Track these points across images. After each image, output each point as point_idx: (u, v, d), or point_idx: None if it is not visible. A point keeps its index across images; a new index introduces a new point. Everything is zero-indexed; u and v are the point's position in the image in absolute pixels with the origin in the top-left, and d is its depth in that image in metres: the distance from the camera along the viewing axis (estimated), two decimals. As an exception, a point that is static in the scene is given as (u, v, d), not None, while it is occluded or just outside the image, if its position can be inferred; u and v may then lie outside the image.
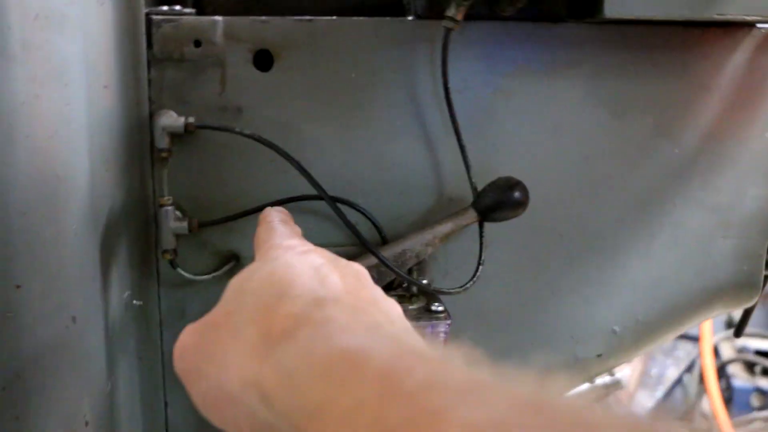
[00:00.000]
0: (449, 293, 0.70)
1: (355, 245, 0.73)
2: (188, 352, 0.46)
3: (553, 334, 0.82)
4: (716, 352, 2.74)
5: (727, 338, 2.78)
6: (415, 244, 0.71)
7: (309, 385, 0.36)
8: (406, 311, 0.67)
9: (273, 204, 0.72)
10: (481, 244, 0.73)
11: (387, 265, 0.68)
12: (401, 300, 0.70)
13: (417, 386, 0.32)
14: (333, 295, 0.43)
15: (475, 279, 0.72)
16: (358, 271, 0.50)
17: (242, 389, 0.40)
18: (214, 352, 0.43)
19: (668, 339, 0.88)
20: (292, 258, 0.48)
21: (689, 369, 2.77)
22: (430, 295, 0.71)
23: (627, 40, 0.76)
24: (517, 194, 0.70)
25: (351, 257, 0.72)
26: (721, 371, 2.69)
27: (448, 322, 0.67)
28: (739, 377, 2.71)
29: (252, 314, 0.42)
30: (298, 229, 0.58)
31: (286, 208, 0.71)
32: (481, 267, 0.73)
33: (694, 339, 2.66)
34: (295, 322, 0.40)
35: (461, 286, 0.71)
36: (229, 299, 0.46)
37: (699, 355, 2.56)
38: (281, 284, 0.43)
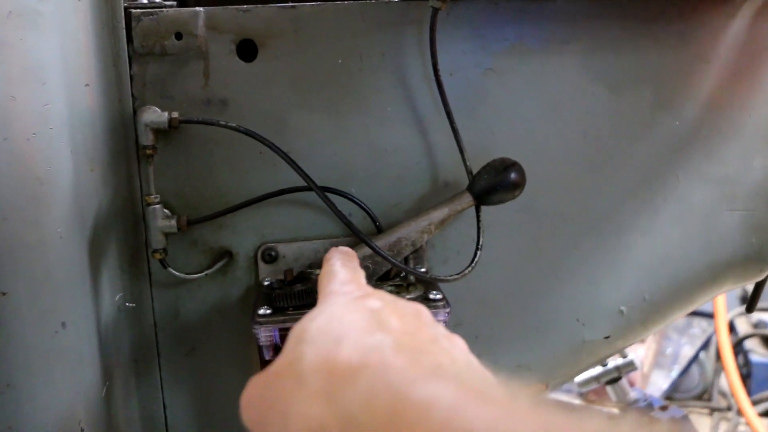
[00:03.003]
0: (447, 281, 0.69)
1: (350, 236, 0.72)
2: (253, 402, 0.45)
3: (559, 317, 0.80)
4: (732, 327, 2.71)
5: (743, 314, 2.76)
6: (410, 231, 0.70)
7: None
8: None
9: (263, 198, 0.70)
10: (478, 228, 0.72)
11: (382, 255, 0.67)
12: (398, 290, 0.68)
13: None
14: (392, 338, 0.43)
15: (473, 265, 0.70)
16: (418, 310, 0.50)
17: None
18: (278, 401, 0.43)
19: (678, 317, 0.86)
20: (350, 303, 0.48)
21: (705, 346, 2.75)
22: (428, 283, 0.69)
23: (622, 13, 0.74)
24: (512, 175, 0.69)
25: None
26: (738, 347, 2.67)
27: (447, 310, 0.65)
28: (757, 352, 2.68)
29: (313, 360, 0.42)
30: (360, 272, 0.59)
31: (276, 200, 0.71)
32: (479, 252, 0.71)
33: (709, 316, 2.64)
34: (355, 367, 0.40)
35: (459, 273, 0.69)
36: (291, 348, 0.46)
37: (714, 331, 2.53)
38: (341, 329, 0.44)
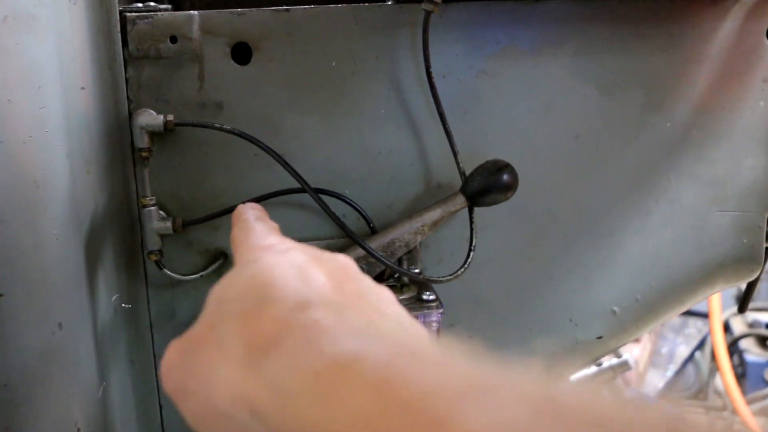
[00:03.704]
0: (440, 281, 0.69)
1: (344, 237, 0.73)
2: (174, 370, 0.43)
3: (552, 318, 0.80)
4: (727, 327, 2.72)
5: (738, 313, 2.76)
6: (403, 232, 0.70)
7: (301, 400, 0.34)
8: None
9: (258, 199, 0.71)
10: (471, 229, 0.72)
11: (375, 256, 0.67)
12: (392, 290, 0.69)
13: (417, 393, 0.30)
14: (317, 294, 0.41)
15: (466, 266, 0.71)
16: (344, 264, 0.48)
17: (232, 406, 0.39)
18: (200, 369, 0.41)
19: (670, 317, 0.87)
20: (272, 258, 0.45)
21: (700, 346, 2.76)
22: (422, 284, 0.70)
23: (613, 15, 0.75)
24: (505, 177, 0.69)
25: (339, 249, 0.71)
26: (733, 347, 2.67)
27: (441, 311, 0.66)
28: (752, 352, 2.69)
29: (235, 324, 0.40)
30: (275, 225, 0.56)
31: (271, 202, 0.71)
32: (472, 253, 0.72)
33: (705, 315, 2.65)
34: (279, 328, 0.38)
35: (452, 274, 0.70)
36: (211, 311, 0.44)
37: (710, 331, 2.54)
38: (262, 288, 0.42)
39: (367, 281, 0.47)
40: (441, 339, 0.39)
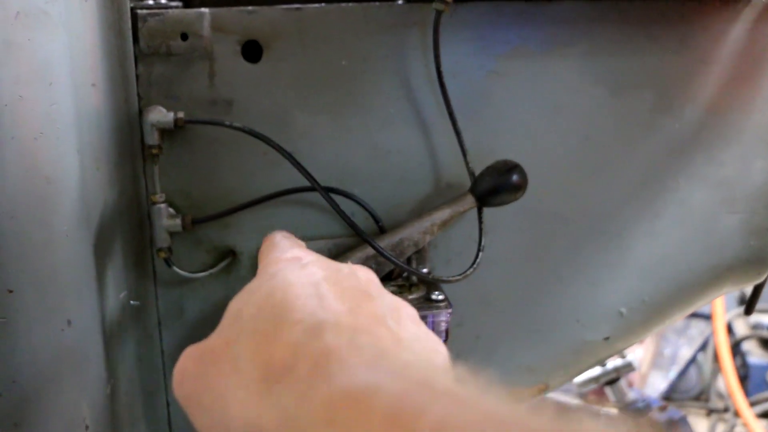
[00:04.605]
0: (449, 281, 0.69)
1: (353, 236, 0.72)
2: (189, 379, 0.44)
3: (559, 318, 0.80)
4: (730, 329, 2.72)
5: (741, 315, 2.76)
6: (412, 232, 0.70)
7: (310, 431, 0.34)
8: (405, 301, 0.66)
9: (267, 198, 0.71)
10: (480, 229, 0.72)
11: (384, 255, 0.67)
12: (401, 290, 0.69)
13: (430, 429, 0.30)
14: (332, 316, 0.41)
15: (475, 266, 0.71)
16: (364, 280, 0.48)
17: (245, 430, 0.39)
18: (215, 384, 0.42)
19: (677, 319, 0.87)
20: (290, 274, 0.46)
21: (703, 348, 2.76)
22: (430, 284, 0.70)
23: (623, 16, 0.75)
24: (514, 177, 0.69)
25: (348, 248, 0.71)
26: (736, 348, 2.68)
27: (449, 311, 0.66)
28: (755, 354, 2.69)
29: (250, 344, 0.41)
30: (301, 243, 0.57)
31: (280, 201, 0.71)
32: (481, 253, 0.72)
33: (707, 317, 2.65)
34: (291, 354, 0.38)
35: (461, 274, 0.70)
36: (228, 325, 0.44)
37: (712, 333, 2.54)
38: (278, 308, 0.42)
39: (387, 299, 0.47)
40: (456, 368, 0.39)
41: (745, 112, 0.79)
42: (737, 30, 0.77)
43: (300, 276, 0.45)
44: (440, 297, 0.67)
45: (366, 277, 0.48)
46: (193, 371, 0.43)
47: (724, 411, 2.60)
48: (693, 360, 2.73)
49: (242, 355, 0.40)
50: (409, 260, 0.72)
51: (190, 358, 0.44)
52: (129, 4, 0.67)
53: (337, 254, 0.72)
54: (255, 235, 0.73)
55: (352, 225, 0.69)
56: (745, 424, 2.31)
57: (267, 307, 0.42)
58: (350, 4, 0.71)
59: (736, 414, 2.39)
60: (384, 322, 0.43)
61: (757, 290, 0.91)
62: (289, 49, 0.70)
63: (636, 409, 1.82)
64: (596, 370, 1.79)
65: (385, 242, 0.70)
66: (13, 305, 0.56)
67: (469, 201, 0.71)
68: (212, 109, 0.70)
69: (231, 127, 0.69)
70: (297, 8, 0.70)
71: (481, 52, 0.73)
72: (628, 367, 1.84)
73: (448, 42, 0.71)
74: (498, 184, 0.69)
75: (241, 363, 0.40)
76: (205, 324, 0.74)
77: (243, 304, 0.44)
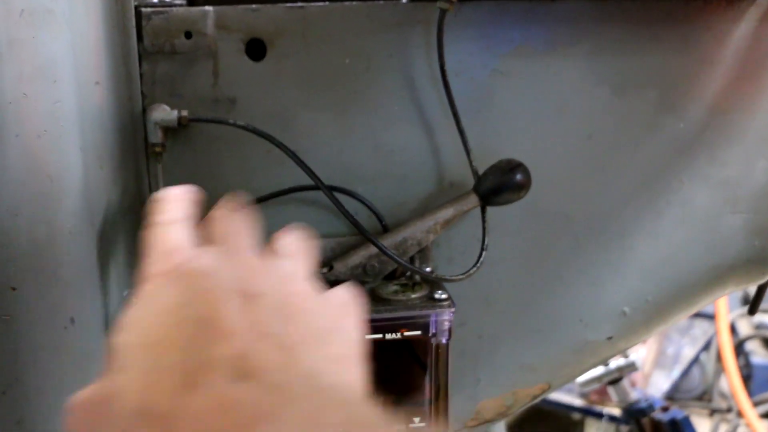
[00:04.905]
0: (452, 280, 0.69)
1: (356, 235, 0.72)
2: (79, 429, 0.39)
3: (562, 318, 0.80)
4: (733, 329, 2.72)
5: (744, 315, 2.76)
6: (416, 231, 0.70)
7: None
8: (408, 300, 0.66)
9: (270, 196, 0.71)
10: (483, 228, 0.72)
11: (388, 254, 0.67)
12: (404, 289, 0.69)
13: None
14: (224, 362, 0.34)
15: (478, 265, 0.71)
16: (289, 293, 0.40)
17: None
18: None
19: (680, 319, 0.87)
20: (165, 298, 0.38)
21: (706, 347, 2.75)
22: (433, 282, 0.70)
23: (627, 15, 0.75)
24: (518, 176, 0.69)
25: (351, 247, 0.71)
26: (739, 348, 2.67)
27: (452, 309, 0.66)
28: (758, 354, 2.69)
29: (130, 401, 0.35)
30: (190, 221, 0.46)
31: (283, 199, 0.71)
32: (484, 252, 0.72)
33: (710, 317, 2.64)
34: (173, 416, 0.33)
35: (464, 273, 0.70)
36: (111, 369, 0.39)
37: (716, 333, 2.54)
38: (153, 355, 0.36)
39: (315, 323, 0.40)
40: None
41: (749, 112, 0.79)
42: (741, 30, 0.77)
43: (180, 308, 0.37)
44: (443, 296, 0.67)
45: (295, 285, 0.41)
46: (83, 421, 0.39)
47: (727, 411, 2.60)
48: (696, 360, 2.72)
49: (126, 413, 0.35)
50: (412, 259, 0.72)
51: (80, 407, 0.39)
52: (133, 2, 0.67)
53: (341, 253, 0.72)
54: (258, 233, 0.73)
55: (355, 224, 0.69)
56: (748, 425, 2.31)
57: (143, 347, 0.37)
58: (354, 3, 0.71)
59: (739, 414, 2.38)
60: (293, 356, 0.37)
61: (761, 290, 0.91)
62: (292, 47, 0.70)
63: (639, 409, 1.82)
64: (599, 370, 1.79)
65: (388, 241, 0.70)
66: (16, 303, 0.56)
67: (473, 200, 0.71)
68: (216, 108, 0.70)
69: (234, 125, 0.69)
70: (301, 6, 0.70)
71: (485, 51, 0.73)
72: (631, 367, 1.84)
73: (452, 41, 0.71)
74: (501, 183, 0.69)
75: (126, 421, 0.35)
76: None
77: (120, 345, 0.38)
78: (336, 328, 0.42)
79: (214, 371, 0.34)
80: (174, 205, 0.47)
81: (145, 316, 0.38)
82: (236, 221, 0.47)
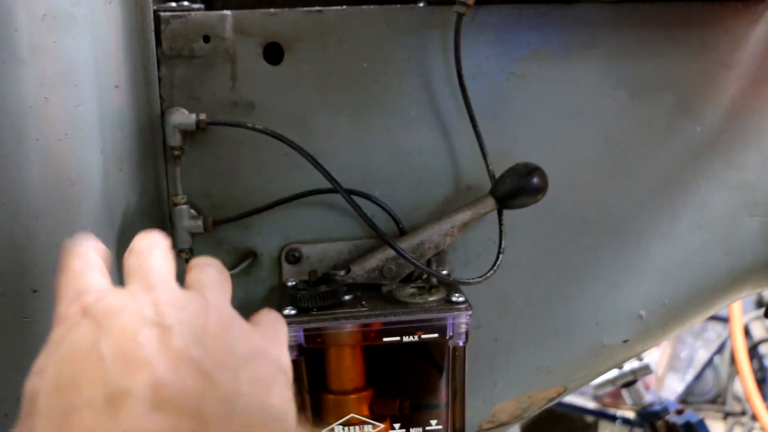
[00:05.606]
0: (469, 283, 0.69)
1: (373, 238, 0.73)
2: None
3: (578, 321, 0.80)
4: (747, 332, 2.70)
5: (758, 318, 2.75)
6: (433, 234, 0.70)
7: None
8: (425, 303, 0.67)
9: (288, 199, 0.71)
10: (500, 232, 0.72)
11: (405, 257, 0.67)
12: (421, 292, 0.69)
13: None
14: (138, 383, 0.33)
15: (495, 268, 0.71)
16: (203, 311, 0.40)
17: None
18: None
19: (696, 322, 0.87)
20: (74, 349, 0.36)
21: (720, 350, 2.74)
22: (450, 286, 0.70)
23: (644, 18, 0.75)
24: (535, 180, 0.69)
25: (368, 250, 0.72)
26: (753, 352, 2.66)
27: (469, 312, 0.66)
28: (772, 357, 2.68)
29: None
30: (99, 262, 0.45)
31: (300, 202, 0.71)
32: (501, 256, 0.72)
33: (724, 320, 2.63)
34: None
35: (481, 276, 0.70)
36: (26, 414, 0.37)
37: (729, 335, 2.52)
38: (70, 389, 0.34)
39: (234, 348, 0.39)
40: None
41: (766, 115, 0.79)
42: (758, 32, 0.77)
43: (88, 365, 0.35)
44: (461, 299, 0.67)
45: (217, 316, 0.40)
46: None
47: (741, 414, 2.59)
48: (710, 363, 2.71)
49: None
50: (429, 262, 0.72)
51: None
52: (152, 7, 0.67)
53: (357, 255, 0.73)
54: (276, 236, 0.73)
55: (372, 227, 0.70)
56: (762, 428, 2.29)
57: (59, 389, 0.35)
58: (371, 7, 0.71)
59: (754, 417, 2.37)
60: (208, 378, 0.36)
61: (777, 294, 0.90)
62: (310, 51, 0.71)
63: (653, 412, 1.81)
64: (613, 373, 1.79)
65: (405, 244, 0.70)
66: (38, 305, 0.57)
67: (490, 203, 0.71)
68: (234, 111, 0.70)
69: (252, 128, 0.69)
70: (318, 11, 0.70)
71: (502, 54, 0.73)
72: (645, 370, 1.83)
73: (469, 44, 0.71)
74: (518, 187, 0.69)
75: None
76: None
77: (36, 388, 0.36)
78: (258, 351, 0.41)
79: (131, 402, 0.33)
80: (85, 249, 0.46)
81: (56, 359, 0.37)
82: (153, 256, 0.45)
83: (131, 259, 0.45)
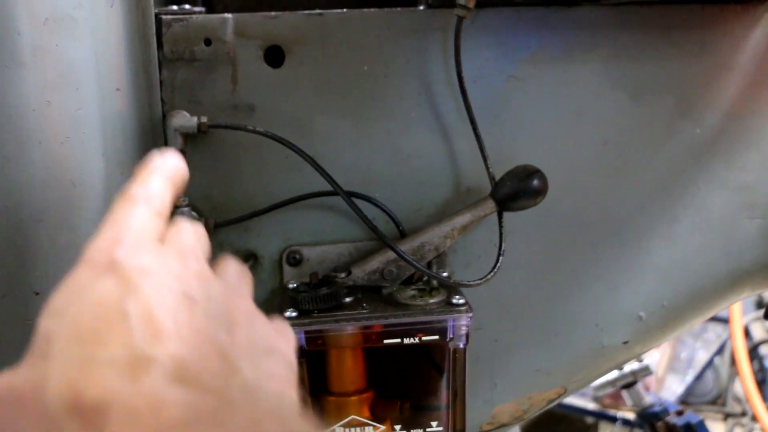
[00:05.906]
0: (470, 285, 0.70)
1: (374, 240, 0.73)
2: None
3: (578, 322, 0.80)
4: (747, 333, 2.70)
5: (759, 319, 2.75)
6: (433, 236, 0.71)
7: None
8: (426, 305, 0.67)
9: (288, 202, 0.71)
10: (500, 234, 0.72)
11: (406, 260, 0.68)
12: (421, 294, 0.69)
13: None
14: (164, 351, 0.33)
15: (495, 270, 0.71)
16: (230, 295, 0.40)
17: None
18: None
19: (696, 323, 0.87)
20: (97, 301, 0.35)
21: (720, 351, 2.74)
22: (451, 288, 0.70)
23: (644, 21, 0.75)
24: (535, 182, 0.69)
25: (369, 252, 0.72)
26: (754, 352, 2.66)
27: (470, 314, 0.66)
28: (772, 358, 2.68)
29: (59, 395, 0.33)
30: (164, 211, 0.42)
31: (301, 204, 0.72)
32: (501, 258, 0.72)
33: (724, 321, 2.63)
34: (104, 401, 0.31)
35: (482, 278, 0.70)
36: (37, 357, 0.35)
37: (729, 337, 2.52)
38: (88, 346, 0.33)
39: (255, 339, 0.39)
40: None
41: (766, 117, 0.79)
42: (757, 34, 0.77)
43: (131, 290, 0.35)
44: (461, 301, 0.67)
45: (235, 301, 0.40)
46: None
47: (742, 415, 2.59)
48: (710, 364, 2.72)
49: (53, 406, 0.32)
50: (429, 264, 0.72)
51: None
52: (153, 10, 0.68)
53: (358, 258, 0.73)
54: (276, 238, 0.74)
55: (373, 229, 0.70)
56: (762, 429, 2.29)
57: (80, 338, 0.34)
58: (372, 10, 0.71)
59: (754, 418, 2.37)
60: (230, 363, 0.36)
61: (777, 295, 0.91)
62: (311, 54, 0.71)
63: (653, 413, 1.81)
64: (613, 374, 1.79)
65: (406, 246, 0.70)
66: (39, 307, 0.56)
67: (490, 206, 0.71)
68: (234, 114, 0.71)
69: (253, 131, 0.69)
70: (319, 14, 0.70)
71: (502, 57, 0.74)
72: (645, 371, 1.84)
73: (469, 47, 0.72)
74: (518, 189, 0.69)
75: (53, 415, 0.32)
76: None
77: (52, 330, 0.35)
78: (274, 348, 0.41)
79: (153, 370, 0.32)
80: (153, 178, 0.44)
81: (78, 305, 0.36)
82: (194, 232, 0.44)
83: (175, 227, 0.43)
